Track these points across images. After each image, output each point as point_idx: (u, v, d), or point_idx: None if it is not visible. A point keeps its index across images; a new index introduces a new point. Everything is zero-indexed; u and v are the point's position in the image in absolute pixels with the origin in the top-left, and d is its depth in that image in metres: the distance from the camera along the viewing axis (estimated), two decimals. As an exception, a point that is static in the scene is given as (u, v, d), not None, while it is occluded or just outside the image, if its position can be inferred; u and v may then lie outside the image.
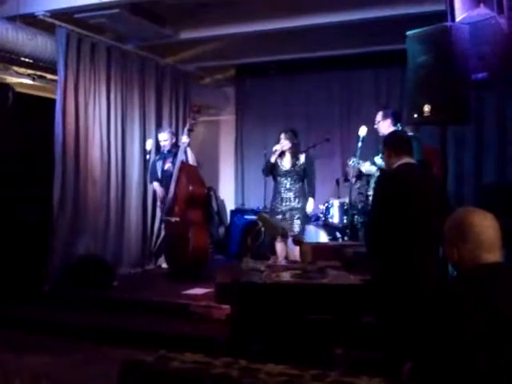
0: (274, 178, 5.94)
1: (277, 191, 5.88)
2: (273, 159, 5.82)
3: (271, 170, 5.90)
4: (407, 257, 3.13)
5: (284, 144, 5.81)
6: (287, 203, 5.77)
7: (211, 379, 1.95)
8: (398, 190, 3.17)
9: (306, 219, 5.99)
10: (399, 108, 5.57)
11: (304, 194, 5.83)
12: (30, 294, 5.50)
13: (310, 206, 5.84)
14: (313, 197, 5.87)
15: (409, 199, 3.14)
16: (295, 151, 5.85)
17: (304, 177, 5.85)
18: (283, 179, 5.84)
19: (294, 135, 5.90)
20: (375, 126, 5.29)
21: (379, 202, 3.25)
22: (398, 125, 5.09)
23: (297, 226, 5.75)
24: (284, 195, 5.81)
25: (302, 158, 5.86)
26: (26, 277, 5.60)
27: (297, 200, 5.77)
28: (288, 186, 5.81)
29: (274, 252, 5.85)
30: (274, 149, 5.84)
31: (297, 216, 5.76)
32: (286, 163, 5.85)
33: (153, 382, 2.02)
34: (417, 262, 3.12)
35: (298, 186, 5.81)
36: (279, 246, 5.78)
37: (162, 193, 6.55)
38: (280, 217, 5.76)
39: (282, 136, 5.85)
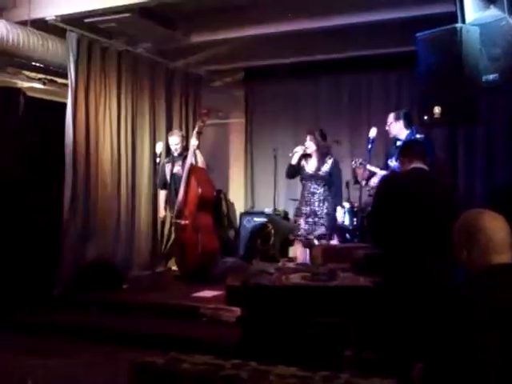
0: (301, 181, 5.69)
1: (302, 195, 5.64)
2: (293, 161, 5.55)
3: (294, 173, 5.64)
4: (406, 256, 3.22)
5: (308, 146, 5.53)
6: (310, 206, 5.50)
7: (221, 381, 1.96)
8: (397, 189, 3.41)
9: (333, 226, 5.63)
10: (409, 110, 5.53)
11: (329, 199, 5.54)
12: (41, 298, 5.53)
13: (340, 214, 5.58)
14: (340, 205, 5.63)
15: (407, 200, 3.30)
16: (322, 154, 5.53)
17: (329, 182, 5.55)
18: (307, 182, 5.57)
19: (321, 136, 5.57)
20: (386, 128, 5.26)
21: (380, 198, 3.54)
22: (413, 128, 5.04)
23: (322, 232, 5.46)
24: (308, 199, 5.54)
25: (329, 162, 5.55)
26: (36, 280, 5.63)
27: (320, 204, 5.50)
28: (311, 190, 5.53)
29: (283, 254, 5.81)
30: (295, 150, 5.58)
31: (320, 222, 5.48)
32: (310, 166, 5.57)
33: (163, 383, 2.03)
34: (416, 262, 3.18)
35: (321, 190, 5.52)
36: (298, 249, 5.59)
37: (164, 202, 6.57)
38: (303, 219, 5.51)
39: (308, 137, 5.55)
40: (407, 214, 3.30)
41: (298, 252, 5.63)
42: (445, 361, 1.76)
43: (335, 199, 5.59)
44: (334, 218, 5.60)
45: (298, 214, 5.62)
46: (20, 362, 4.06)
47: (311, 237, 5.48)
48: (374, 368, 3.06)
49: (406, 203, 3.32)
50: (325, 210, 5.52)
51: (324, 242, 5.46)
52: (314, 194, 5.54)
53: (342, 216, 5.72)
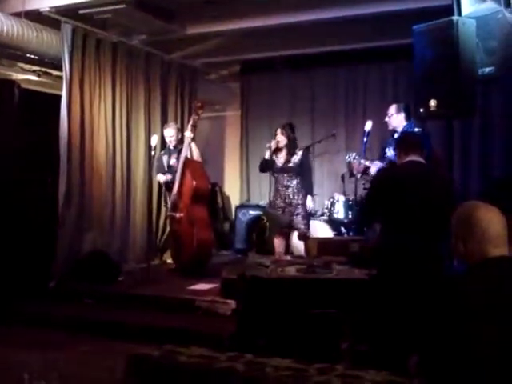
0: (273, 175, 5.85)
1: (275, 188, 5.79)
2: (267, 155, 5.73)
3: (267, 167, 5.80)
4: (402, 248, 3.23)
5: (280, 140, 5.70)
6: (286, 200, 5.67)
7: (217, 373, 1.96)
8: (392, 182, 3.44)
9: (308, 215, 5.87)
10: (407, 103, 5.54)
11: (302, 191, 5.72)
12: (36, 290, 5.52)
13: (309, 202, 5.75)
14: (310, 194, 5.78)
15: (402, 192, 3.33)
16: (292, 147, 5.73)
17: (300, 173, 5.73)
18: (280, 176, 5.75)
19: (291, 130, 5.76)
20: (386, 119, 5.22)
21: (373, 190, 3.61)
22: (412, 121, 5.02)
23: (299, 222, 5.66)
24: (282, 192, 5.70)
25: (299, 153, 5.73)
26: (32, 272, 5.62)
27: (295, 196, 5.67)
28: (285, 183, 5.70)
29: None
30: (268, 145, 5.74)
31: (296, 212, 5.66)
32: (281, 159, 5.76)
33: (159, 376, 2.03)
34: (411, 253, 3.19)
35: (295, 182, 5.69)
36: (277, 242, 5.75)
37: (168, 178, 6.42)
38: (278, 212, 5.70)
39: (278, 131, 5.74)
40: (402, 206, 3.31)
41: (277, 245, 5.75)
42: (441, 353, 1.77)
43: (306, 188, 5.76)
44: (308, 210, 5.81)
45: (274, 208, 5.77)
46: (16, 355, 4.06)
47: (293, 225, 5.66)
48: (370, 360, 3.07)
49: (401, 195, 3.33)
50: (300, 201, 5.69)
51: (302, 231, 5.66)
52: (288, 187, 5.71)
53: (312, 203, 5.83)
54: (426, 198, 3.28)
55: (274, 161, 5.77)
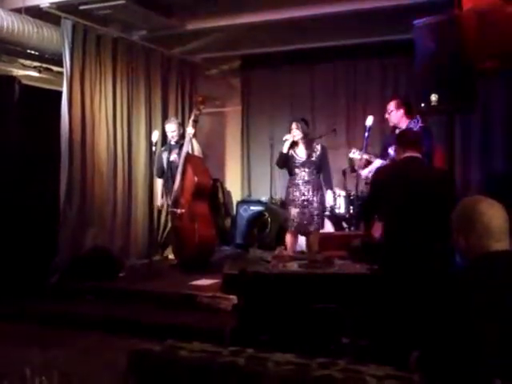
0: (290, 170, 5.68)
1: (293, 183, 5.61)
2: (285, 150, 5.58)
3: (285, 162, 5.64)
4: (402, 244, 3.24)
5: (296, 134, 5.57)
6: (304, 196, 5.53)
7: (219, 368, 1.96)
8: (391, 178, 3.49)
9: (323, 213, 5.78)
10: (407, 98, 5.51)
11: (321, 187, 5.62)
12: (38, 287, 5.53)
13: (330, 198, 5.68)
14: (331, 189, 5.70)
15: (400, 188, 3.36)
16: (308, 141, 5.61)
17: (320, 168, 5.61)
18: (300, 171, 5.57)
19: (305, 124, 5.65)
20: (386, 116, 5.19)
21: (373, 188, 3.69)
22: (417, 117, 4.98)
23: (315, 222, 5.53)
24: (302, 188, 5.55)
25: (318, 148, 5.60)
26: (33, 269, 5.62)
27: (315, 193, 5.53)
28: (306, 179, 5.55)
29: (280, 242, 5.82)
30: (285, 138, 5.62)
31: (316, 212, 5.53)
32: (301, 153, 5.59)
33: (161, 371, 2.03)
34: (412, 249, 3.20)
35: (315, 177, 5.57)
36: (289, 238, 5.65)
37: (163, 192, 6.53)
38: (297, 209, 5.54)
39: (294, 126, 5.59)
40: (401, 202, 3.32)
41: (289, 241, 5.64)
42: (442, 350, 1.77)
43: (327, 184, 5.67)
44: (325, 206, 5.72)
45: (290, 202, 5.64)
46: (17, 351, 4.06)
47: (304, 223, 5.53)
48: (371, 355, 3.08)
49: (400, 191, 3.33)
50: (318, 200, 5.56)
51: (316, 229, 5.54)
52: (308, 182, 5.56)
53: (332, 200, 5.75)
54: (424, 193, 3.28)
55: (293, 155, 5.62)
